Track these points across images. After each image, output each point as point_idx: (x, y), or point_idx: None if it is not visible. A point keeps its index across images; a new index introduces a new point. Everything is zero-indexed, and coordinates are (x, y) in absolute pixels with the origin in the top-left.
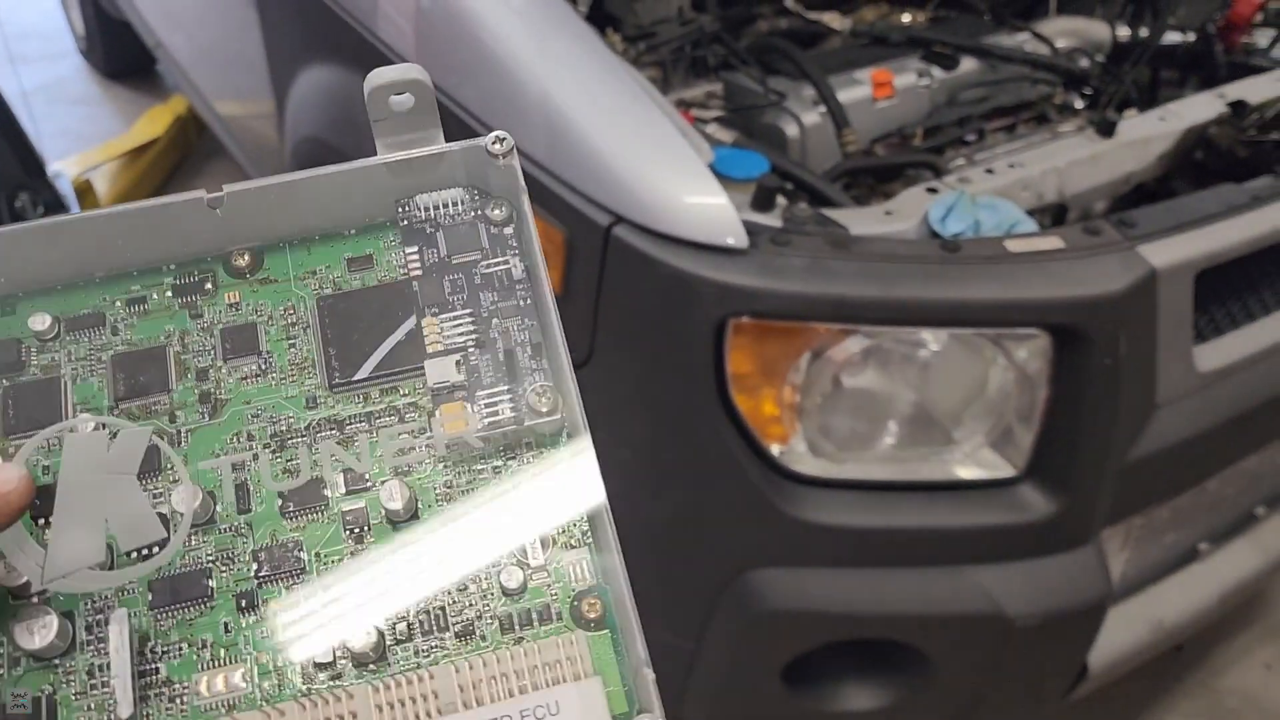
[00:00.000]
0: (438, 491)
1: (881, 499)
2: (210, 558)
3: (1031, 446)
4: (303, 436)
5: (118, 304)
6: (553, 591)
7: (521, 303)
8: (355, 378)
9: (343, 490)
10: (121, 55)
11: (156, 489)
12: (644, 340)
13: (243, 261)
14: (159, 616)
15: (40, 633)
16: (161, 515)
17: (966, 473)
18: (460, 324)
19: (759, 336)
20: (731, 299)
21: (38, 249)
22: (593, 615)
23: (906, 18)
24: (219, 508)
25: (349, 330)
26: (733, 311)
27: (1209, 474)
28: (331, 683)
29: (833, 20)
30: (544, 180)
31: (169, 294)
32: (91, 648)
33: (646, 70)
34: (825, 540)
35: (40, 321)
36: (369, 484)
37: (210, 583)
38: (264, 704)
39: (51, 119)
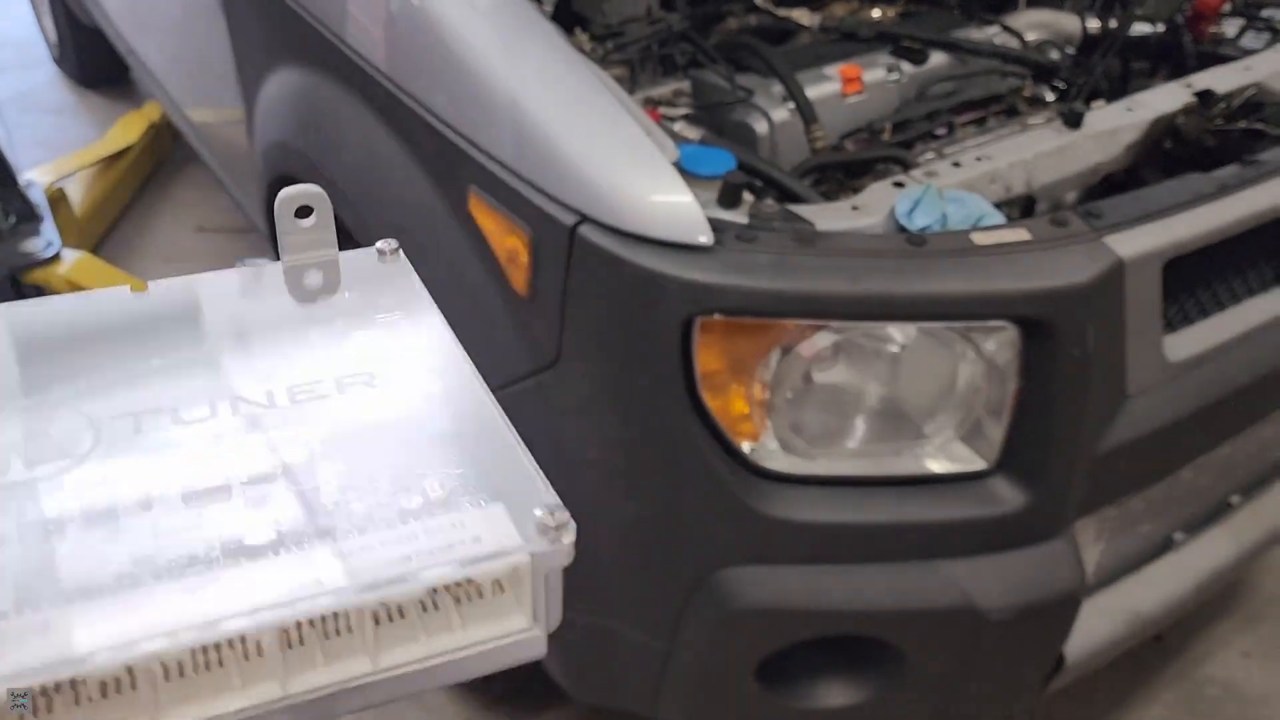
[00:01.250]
0: None
1: (853, 494)
2: None
3: (1002, 439)
4: None
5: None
6: None
7: None
8: None
9: None
10: (95, 63)
11: None
12: (612, 340)
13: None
14: None
15: None
16: None
17: (938, 466)
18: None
19: (727, 334)
20: (698, 296)
21: None
22: None
23: (876, 13)
24: None
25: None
26: (700, 309)
27: (1182, 463)
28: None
29: (802, 17)
30: (510, 181)
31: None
32: None
33: (614, 69)
34: (798, 537)
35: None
36: None
37: None
38: None
39: (25, 127)
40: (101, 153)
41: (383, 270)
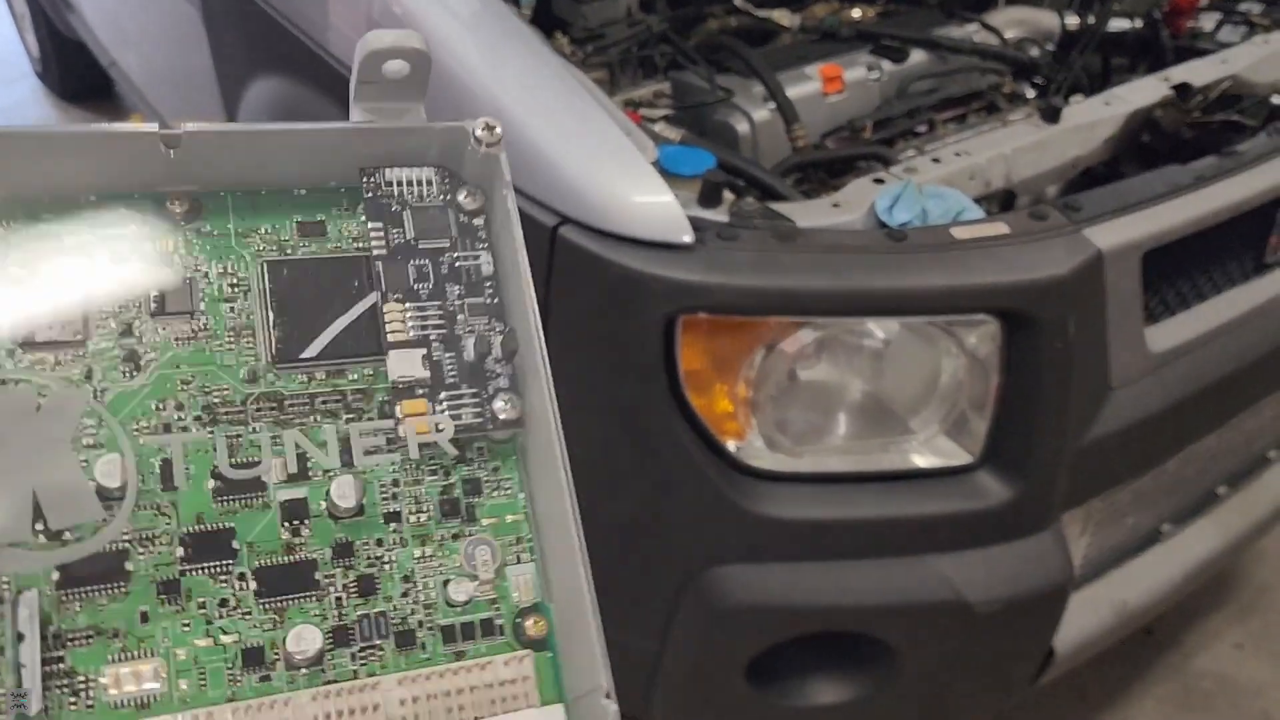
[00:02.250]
0: (384, 488)
1: (840, 491)
2: (127, 537)
3: (987, 433)
4: (239, 412)
5: (25, 234)
6: (496, 606)
7: (490, 301)
8: (303, 355)
9: (283, 477)
10: (77, 76)
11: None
12: (595, 340)
13: (178, 208)
14: (65, 598)
15: None
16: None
17: (924, 461)
18: (426, 315)
19: (710, 332)
20: (680, 295)
21: None
22: (536, 634)
23: (856, 13)
24: (141, 482)
25: (297, 301)
26: (682, 308)
27: (1168, 455)
28: (261, 684)
29: (782, 17)
30: None
31: (86, 230)
32: None
33: (594, 72)
34: (785, 534)
35: None
36: (312, 473)
37: (127, 565)
38: (182, 706)
39: None
40: None
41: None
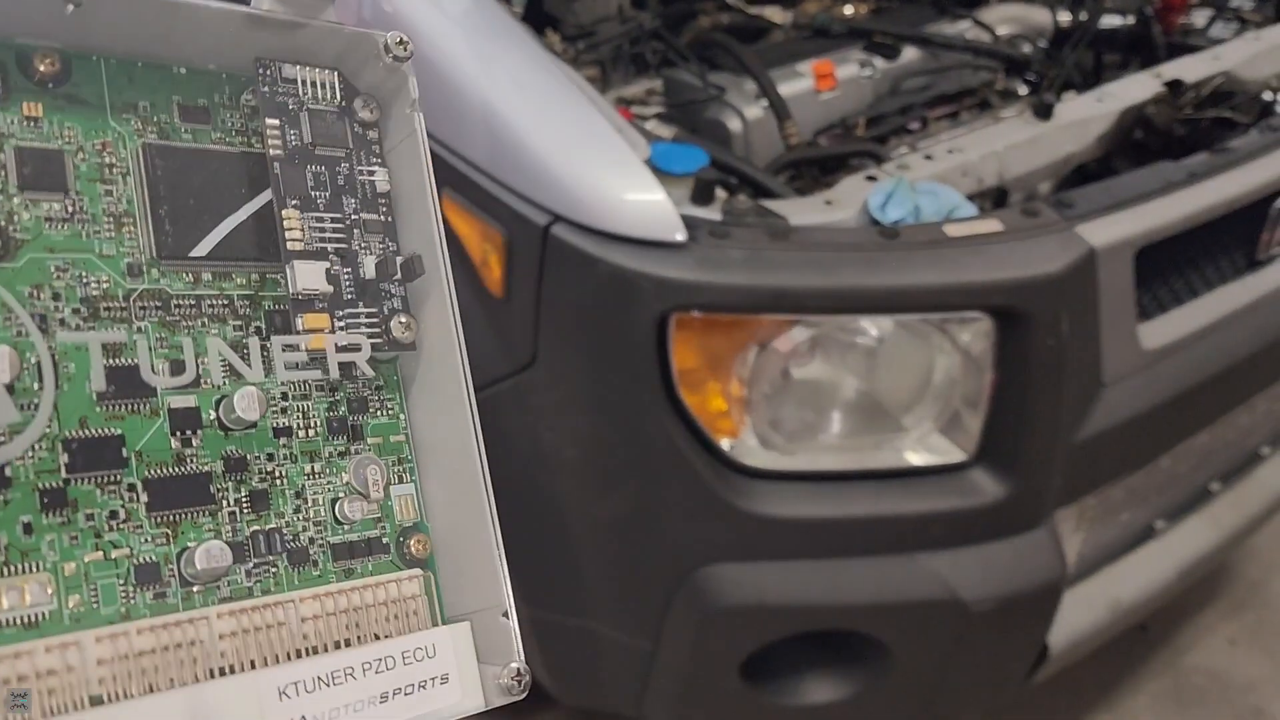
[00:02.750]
0: (274, 401)
1: (834, 489)
2: (1, 439)
3: (980, 430)
4: (121, 308)
5: None
6: (382, 525)
7: (385, 220)
8: (192, 254)
9: (174, 382)
10: None
11: None
12: (588, 339)
13: (46, 66)
14: None
15: None
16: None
17: (917, 459)
18: (324, 227)
19: (703, 330)
20: (673, 293)
21: None
22: (418, 553)
23: (849, 9)
24: (24, 378)
25: (183, 194)
26: (675, 306)
27: (1160, 451)
28: (155, 602)
29: (774, 14)
30: (484, 183)
31: None
32: None
33: (586, 69)
34: (779, 533)
35: None
36: (203, 381)
37: (5, 471)
38: (74, 625)
39: None
40: None
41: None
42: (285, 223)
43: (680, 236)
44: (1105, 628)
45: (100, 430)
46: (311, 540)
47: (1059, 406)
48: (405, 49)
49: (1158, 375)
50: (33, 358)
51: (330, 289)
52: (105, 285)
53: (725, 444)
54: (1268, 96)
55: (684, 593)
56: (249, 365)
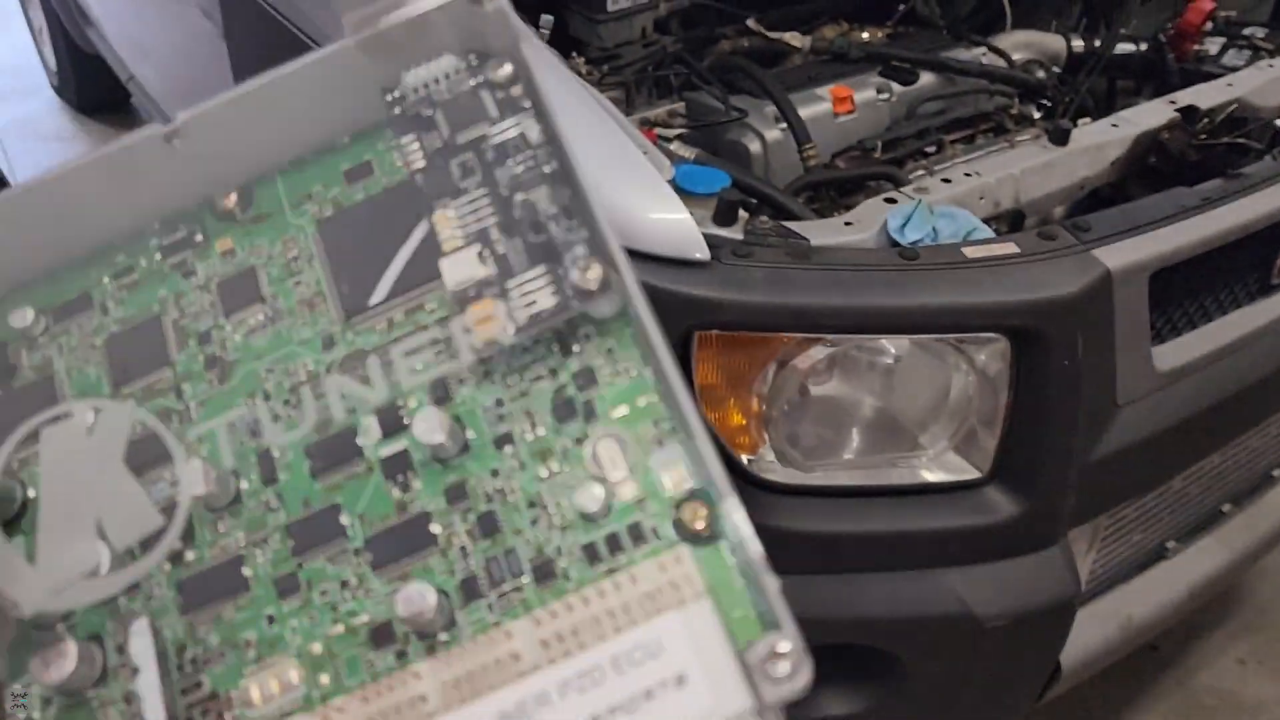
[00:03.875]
0: (488, 412)
1: (850, 505)
2: (241, 543)
3: (996, 449)
4: (329, 382)
5: (104, 280)
6: (645, 506)
7: (546, 168)
8: (372, 302)
9: (379, 435)
10: (95, 89)
11: (161, 476)
12: None
13: (229, 202)
14: (194, 621)
15: (56, 665)
16: (154, 502)
17: (933, 477)
18: (477, 208)
19: (724, 348)
20: (696, 311)
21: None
22: (700, 525)
23: (865, 35)
24: (245, 484)
25: (355, 250)
26: (697, 324)
27: (1173, 472)
28: (398, 662)
29: (793, 39)
30: None
31: (157, 257)
32: (126, 671)
33: (610, 91)
34: (796, 547)
35: (22, 318)
36: (406, 421)
37: (245, 571)
38: (321, 703)
39: (25, 155)
40: None
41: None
42: (437, 227)
43: (703, 255)
44: (1117, 646)
45: (321, 505)
46: (559, 550)
47: (1074, 427)
48: None
49: (1171, 397)
50: (252, 458)
51: (491, 270)
52: (308, 367)
53: (745, 459)
54: (1279, 124)
55: None
56: (448, 389)
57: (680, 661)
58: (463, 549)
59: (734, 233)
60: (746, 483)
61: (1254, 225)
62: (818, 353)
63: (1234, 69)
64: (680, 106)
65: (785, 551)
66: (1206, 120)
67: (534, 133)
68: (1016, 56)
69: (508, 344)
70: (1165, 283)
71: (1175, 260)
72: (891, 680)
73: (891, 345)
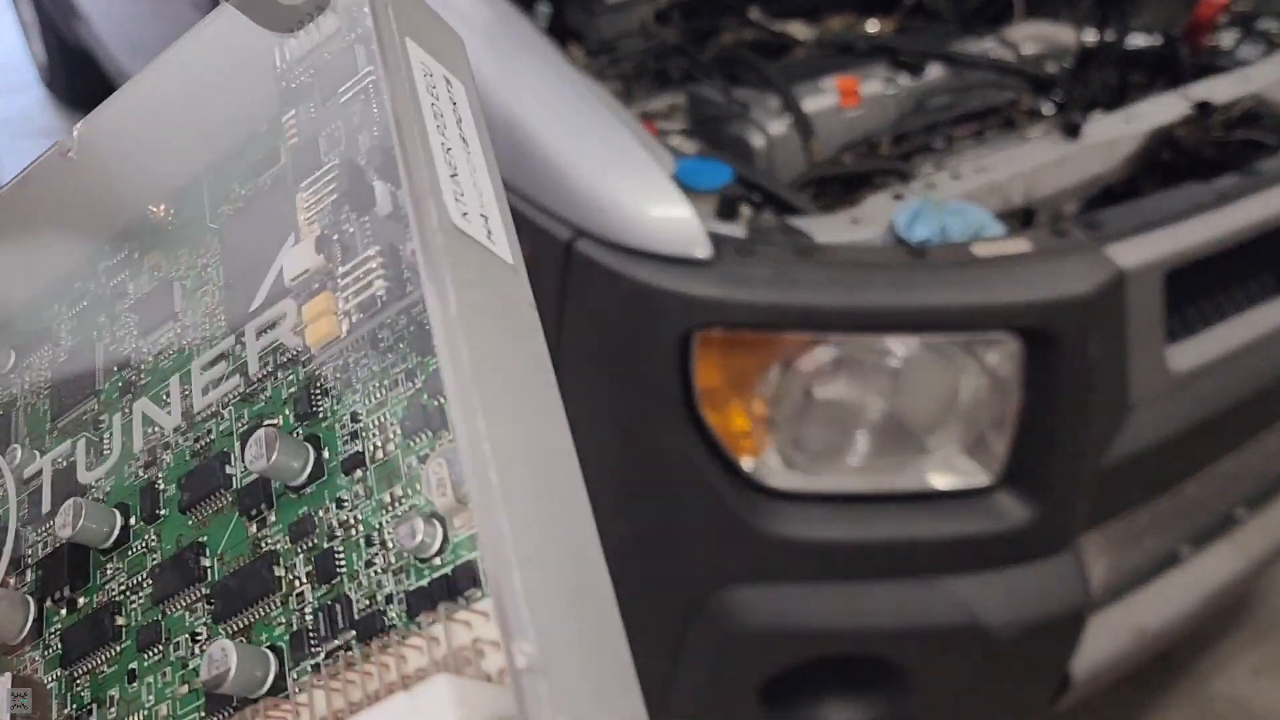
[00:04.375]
0: (345, 429)
1: (856, 511)
2: (122, 588)
3: (1006, 453)
4: (212, 410)
5: (62, 309)
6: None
7: (387, 146)
8: (251, 309)
9: (247, 459)
10: (85, 85)
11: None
12: (609, 355)
13: (160, 211)
14: (73, 676)
15: None
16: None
17: (941, 482)
18: (331, 183)
19: (726, 348)
20: (697, 310)
21: None
22: None
23: (872, 27)
24: (132, 521)
25: (246, 251)
26: (699, 323)
27: (1186, 476)
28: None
29: (798, 30)
30: (507, 197)
31: (103, 279)
32: None
33: (610, 83)
34: (800, 555)
35: (4, 360)
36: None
37: (119, 620)
38: None
39: (15, 152)
40: None
41: None
42: (297, 211)
43: (706, 253)
44: (1129, 656)
45: (187, 543)
46: (389, 598)
47: (1086, 430)
48: None
49: (1185, 399)
50: (135, 492)
51: (330, 259)
52: (201, 386)
53: (747, 464)
54: None
55: (703, 614)
56: (311, 403)
57: None
58: (300, 596)
59: (737, 230)
60: (748, 488)
61: (1271, 223)
62: (823, 354)
63: (1249, 62)
64: (681, 100)
65: (788, 559)
66: (1222, 115)
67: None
68: (1026, 49)
69: (343, 340)
70: (1179, 281)
71: (1190, 259)
72: (897, 691)
73: (899, 346)
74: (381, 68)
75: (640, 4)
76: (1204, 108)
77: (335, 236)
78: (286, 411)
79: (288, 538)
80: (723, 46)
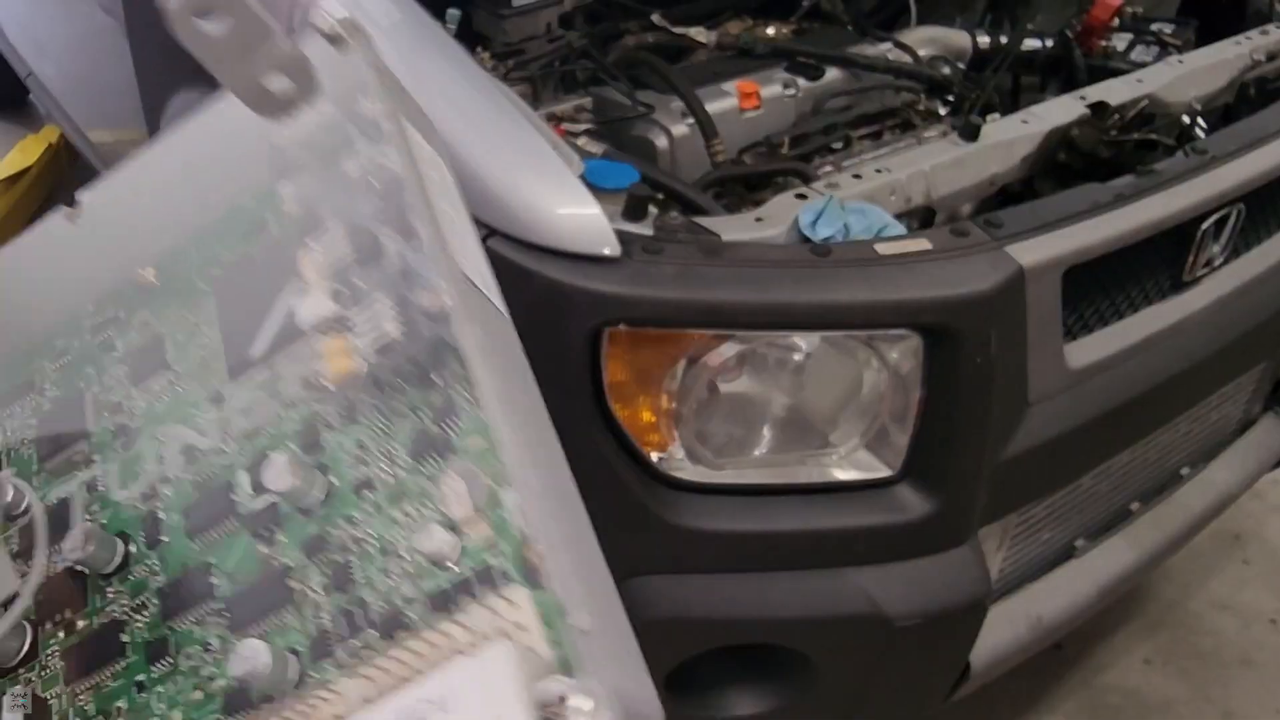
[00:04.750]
0: (350, 455)
1: (760, 503)
2: (126, 608)
3: (907, 447)
4: (217, 448)
5: (46, 364)
6: (497, 549)
7: (388, 204)
8: (254, 356)
9: (250, 489)
10: None
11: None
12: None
13: (149, 275)
14: (76, 691)
15: None
16: (76, 571)
17: (844, 475)
18: (337, 240)
19: (634, 344)
20: (606, 307)
21: None
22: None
23: (770, 30)
24: (133, 548)
25: (243, 306)
26: (607, 320)
27: (1084, 470)
28: None
29: (698, 34)
30: None
31: (88, 337)
32: None
33: (517, 86)
34: (706, 546)
35: None
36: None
37: (123, 637)
38: None
39: None
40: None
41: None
42: (301, 266)
43: (614, 251)
44: (1025, 646)
45: (195, 565)
46: (406, 600)
47: (985, 424)
48: (336, 23)
49: (1083, 395)
50: (139, 522)
51: (343, 305)
52: (200, 427)
53: (655, 457)
54: (1186, 120)
55: None
56: (316, 436)
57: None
58: (316, 604)
59: (644, 228)
60: (655, 481)
61: (1167, 222)
62: (728, 349)
63: (1142, 65)
64: (587, 102)
65: (694, 550)
66: (1117, 116)
67: (393, 162)
68: (922, 52)
69: (362, 377)
70: (1077, 280)
71: (1089, 257)
72: (801, 680)
73: (802, 342)
74: (391, 147)
75: (545, 8)
76: (1100, 109)
77: (346, 289)
78: (291, 445)
79: (302, 554)
80: (626, 49)
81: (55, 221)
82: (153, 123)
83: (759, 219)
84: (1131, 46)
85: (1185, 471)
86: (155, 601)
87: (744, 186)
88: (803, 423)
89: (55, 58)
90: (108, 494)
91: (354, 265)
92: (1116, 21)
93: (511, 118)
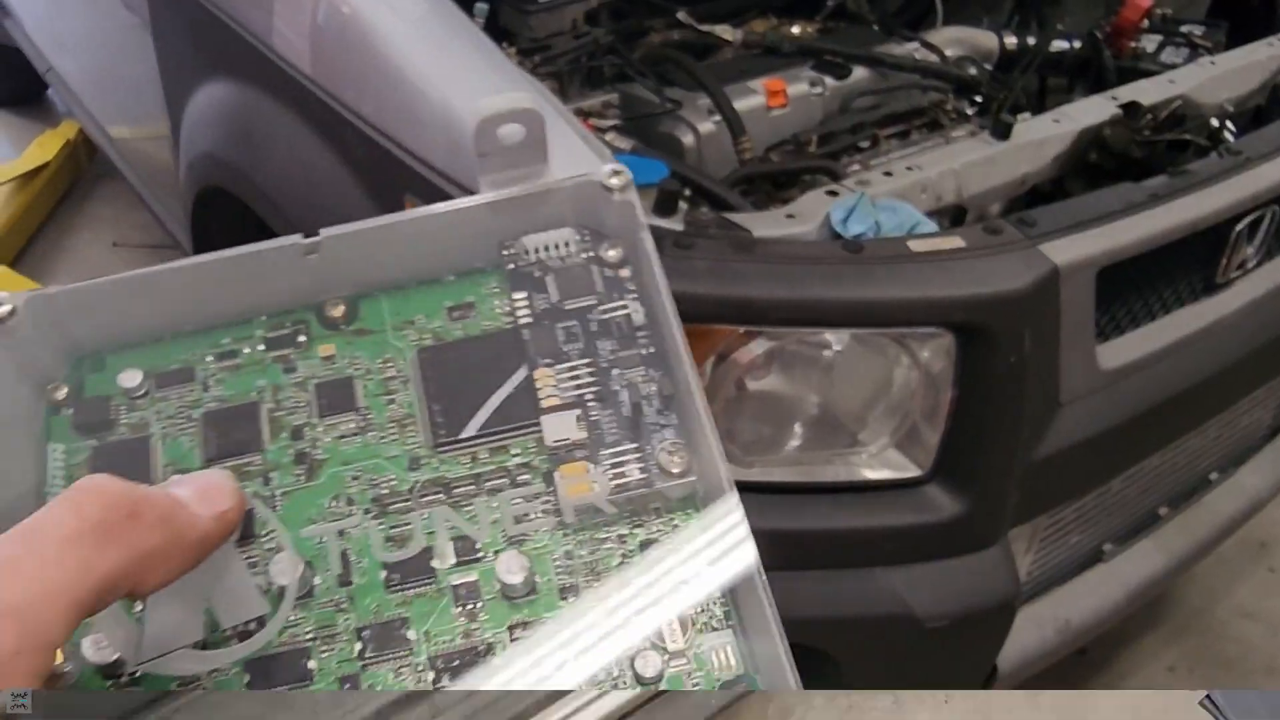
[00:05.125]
0: (556, 563)
1: (789, 502)
2: (310, 635)
3: (937, 446)
4: (405, 501)
5: (209, 359)
6: (694, 681)
7: (644, 351)
8: (462, 435)
9: (453, 561)
10: (11, 82)
11: (252, 557)
12: None
13: (337, 312)
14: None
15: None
16: (259, 587)
17: (873, 474)
18: (577, 375)
19: None
20: None
21: (127, 302)
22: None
23: (796, 29)
24: (319, 580)
25: (453, 384)
26: None
27: (1114, 473)
28: None
29: (724, 32)
30: (445, 187)
31: (261, 347)
32: None
33: (543, 82)
34: None
35: (131, 378)
36: (481, 554)
37: (310, 664)
38: None
39: None
40: (18, 170)
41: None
42: (537, 383)
43: None
44: (1053, 649)
45: (391, 616)
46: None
47: (1017, 425)
48: (623, 178)
49: (1114, 396)
50: (331, 558)
51: (584, 435)
52: (392, 483)
53: None
54: (1215, 123)
55: None
56: (526, 530)
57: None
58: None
59: (674, 223)
60: None
61: (1201, 223)
62: (757, 346)
63: (1172, 66)
64: (614, 98)
65: None
66: (1150, 117)
67: (638, 316)
68: (948, 53)
69: (596, 506)
70: (1111, 280)
71: (1123, 257)
72: (829, 680)
73: (833, 339)
74: (644, 318)
75: (572, 4)
76: (1132, 109)
77: (587, 419)
78: (498, 534)
79: (508, 635)
80: (651, 46)
81: (287, 245)
82: (175, 117)
83: (790, 215)
84: (1161, 48)
85: (1214, 476)
86: (347, 639)
87: (771, 184)
88: (832, 421)
89: (75, 53)
90: (288, 517)
91: (593, 399)
92: (1146, 23)
93: (545, 112)
